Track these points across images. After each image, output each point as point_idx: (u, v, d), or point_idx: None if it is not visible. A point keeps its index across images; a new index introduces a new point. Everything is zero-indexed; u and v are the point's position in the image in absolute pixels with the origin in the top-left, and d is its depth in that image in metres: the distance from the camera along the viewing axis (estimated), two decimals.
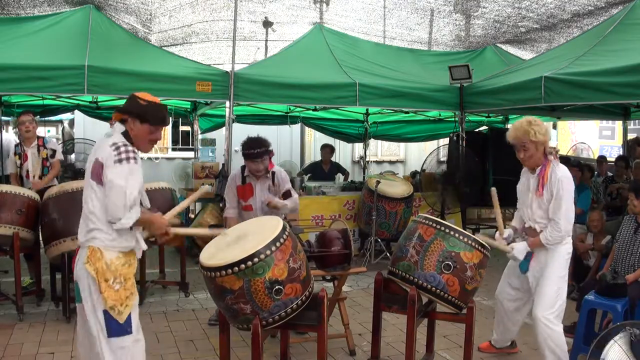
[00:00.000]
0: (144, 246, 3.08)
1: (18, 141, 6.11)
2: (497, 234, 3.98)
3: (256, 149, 4.52)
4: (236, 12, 6.75)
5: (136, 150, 2.90)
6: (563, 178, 3.63)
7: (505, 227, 4.01)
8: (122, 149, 2.81)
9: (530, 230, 3.84)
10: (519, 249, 3.80)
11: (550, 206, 3.65)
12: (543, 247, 3.75)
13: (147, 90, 5.99)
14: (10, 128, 9.29)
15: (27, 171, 5.81)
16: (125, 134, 2.92)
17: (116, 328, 2.85)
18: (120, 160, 2.78)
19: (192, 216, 8.05)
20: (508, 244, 3.90)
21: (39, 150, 5.83)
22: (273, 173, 4.72)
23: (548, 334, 3.66)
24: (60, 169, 6.12)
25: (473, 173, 7.47)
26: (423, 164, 7.92)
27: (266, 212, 4.65)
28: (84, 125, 11.27)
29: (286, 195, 4.73)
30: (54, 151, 5.91)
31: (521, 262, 3.88)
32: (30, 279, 5.67)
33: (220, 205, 5.44)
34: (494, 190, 4.06)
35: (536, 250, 3.81)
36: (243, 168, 4.74)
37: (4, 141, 7.92)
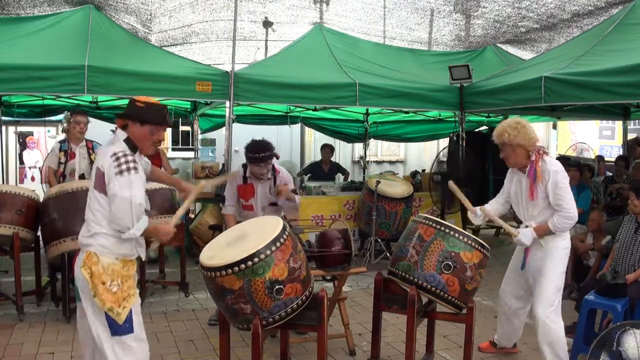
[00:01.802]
0: (143, 255, 3.12)
1: (63, 138, 6.06)
2: (469, 214, 4.02)
3: (261, 153, 4.49)
4: (236, 12, 6.75)
5: (137, 160, 2.90)
6: (557, 172, 3.66)
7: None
8: (122, 159, 2.82)
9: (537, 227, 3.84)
10: (526, 234, 3.77)
11: (551, 198, 3.66)
12: (538, 244, 3.76)
13: (147, 90, 6.07)
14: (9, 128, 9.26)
15: (73, 170, 5.80)
16: (128, 140, 2.93)
17: (118, 327, 2.87)
18: (121, 172, 2.80)
19: (192, 216, 8.05)
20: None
21: (89, 153, 5.86)
22: (275, 174, 4.70)
23: (548, 330, 3.68)
24: None
25: (473, 173, 7.46)
26: (432, 167, 7.93)
27: (267, 212, 4.65)
28: None
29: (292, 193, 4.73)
30: None
31: (521, 262, 3.90)
32: (47, 276, 5.58)
33: (220, 205, 5.44)
34: (451, 182, 4.08)
35: (532, 247, 3.82)
36: (245, 167, 4.73)
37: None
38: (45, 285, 5.44)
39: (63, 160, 5.81)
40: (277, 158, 4.68)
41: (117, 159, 2.83)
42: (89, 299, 2.88)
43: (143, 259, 3.15)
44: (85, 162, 5.86)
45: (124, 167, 2.80)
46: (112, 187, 2.80)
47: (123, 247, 2.92)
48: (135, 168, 2.84)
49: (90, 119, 9.32)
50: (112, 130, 3.02)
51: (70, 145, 5.83)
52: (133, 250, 3.00)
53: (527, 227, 3.83)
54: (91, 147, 5.89)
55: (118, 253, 2.91)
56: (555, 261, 3.73)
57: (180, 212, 3.32)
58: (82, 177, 5.74)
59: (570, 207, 3.63)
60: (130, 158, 2.86)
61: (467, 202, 4.01)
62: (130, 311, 2.91)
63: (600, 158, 9.36)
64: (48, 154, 6.02)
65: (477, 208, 4.00)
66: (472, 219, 4.03)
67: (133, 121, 2.92)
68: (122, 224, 2.81)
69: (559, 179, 3.64)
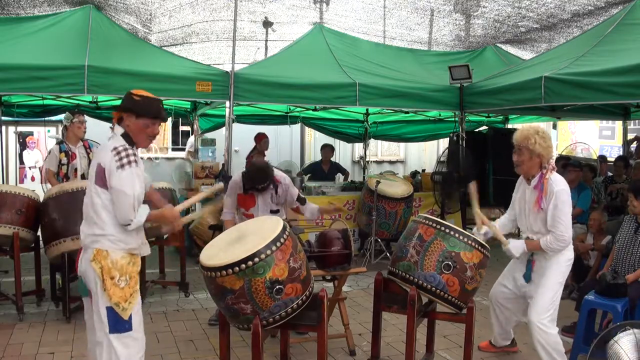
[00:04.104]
0: (148, 251, 3.16)
1: (60, 139, 6.06)
2: (474, 229, 3.94)
3: (261, 185, 4.46)
4: (236, 12, 6.75)
5: (137, 153, 2.95)
6: (560, 191, 3.63)
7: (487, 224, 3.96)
8: (123, 153, 2.87)
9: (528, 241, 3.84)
10: (516, 245, 3.77)
11: (549, 218, 3.64)
12: (542, 254, 3.75)
13: (147, 90, 6.05)
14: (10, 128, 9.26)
15: (75, 169, 5.82)
16: (125, 135, 2.96)
17: (116, 325, 2.91)
18: (122, 166, 2.84)
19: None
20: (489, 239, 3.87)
21: (87, 152, 5.89)
22: (277, 184, 4.64)
23: (543, 337, 3.68)
24: None
25: (473, 173, 7.46)
26: (435, 167, 7.95)
27: None
28: None
29: (302, 201, 4.73)
30: None
31: (525, 272, 3.89)
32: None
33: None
34: (472, 186, 4.03)
35: (537, 258, 3.81)
36: (245, 175, 4.65)
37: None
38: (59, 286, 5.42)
39: (65, 161, 5.81)
40: (278, 182, 4.61)
41: (118, 152, 2.87)
42: (99, 293, 2.92)
43: (147, 253, 3.17)
44: (85, 161, 5.88)
45: (125, 160, 2.84)
46: (114, 181, 2.84)
47: (130, 240, 2.96)
48: (135, 161, 2.89)
49: (91, 119, 9.39)
50: (111, 127, 3.05)
51: (69, 146, 5.84)
52: (139, 244, 3.04)
53: (527, 237, 3.84)
54: (88, 147, 5.91)
55: (125, 247, 2.95)
56: (557, 272, 3.73)
57: (187, 203, 3.35)
58: (83, 176, 5.75)
59: (565, 232, 3.61)
60: (130, 152, 2.89)
61: (479, 215, 3.93)
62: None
63: (602, 158, 9.36)
64: (47, 155, 6.02)
65: (486, 227, 3.91)
66: (475, 234, 3.89)
67: (128, 114, 2.95)
68: (125, 217, 2.86)
69: (560, 201, 3.61)
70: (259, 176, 4.47)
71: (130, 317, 2.93)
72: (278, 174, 4.69)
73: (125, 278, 2.92)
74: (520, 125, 10.41)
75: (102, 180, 2.88)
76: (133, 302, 2.94)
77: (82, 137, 5.91)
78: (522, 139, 3.70)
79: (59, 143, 5.94)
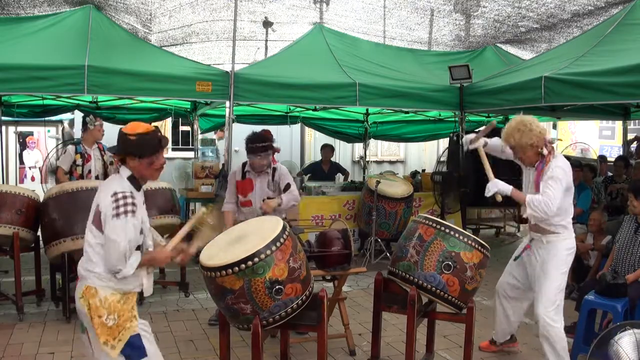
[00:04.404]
0: (150, 290, 3.01)
1: (77, 140, 6.11)
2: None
3: (259, 143, 4.55)
4: (236, 12, 6.75)
5: (136, 203, 2.80)
6: (556, 167, 3.66)
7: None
8: (121, 201, 2.75)
9: (532, 224, 3.86)
10: (503, 183, 3.76)
11: (542, 184, 3.67)
12: (539, 241, 3.79)
13: (147, 90, 6.08)
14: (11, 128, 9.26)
15: (90, 171, 5.86)
16: (132, 179, 2.86)
17: (132, 355, 2.81)
18: (117, 215, 2.72)
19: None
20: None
21: (101, 154, 5.93)
22: (274, 169, 4.74)
23: (548, 330, 3.69)
24: None
25: (472, 173, 7.46)
26: (435, 167, 7.95)
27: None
28: None
29: (286, 188, 4.72)
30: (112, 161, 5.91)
31: (516, 254, 4.01)
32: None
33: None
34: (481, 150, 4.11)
35: (535, 246, 3.85)
36: (244, 164, 4.76)
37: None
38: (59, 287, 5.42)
39: (80, 162, 5.85)
40: (278, 152, 4.72)
41: (117, 200, 2.75)
42: (92, 330, 2.84)
43: (149, 293, 3.02)
44: (99, 163, 5.93)
45: (121, 209, 2.73)
46: (107, 228, 2.74)
47: (124, 283, 2.84)
48: (133, 211, 2.76)
49: None
50: (116, 168, 2.89)
51: (85, 148, 5.87)
52: (135, 286, 2.91)
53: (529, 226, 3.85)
54: (102, 149, 5.95)
55: (116, 287, 2.83)
56: (558, 261, 3.74)
57: (177, 238, 3.10)
58: (97, 177, 5.84)
59: (552, 198, 3.58)
60: (129, 200, 2.77)
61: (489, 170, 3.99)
62: (138, 337, 2.84)
63: (602, 158, 9.36)
64: (61, 154, 6.05)
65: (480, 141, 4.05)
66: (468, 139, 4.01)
67: (131, 157, 2.84)
68: (114, 266, 2.75)
69: (557, 173, 3.63)
70: (259, 134, 4.60)
71: (140, 345, 2.82)
72: (279, 163, 4.82)
73: (113, 317, 2.80)
74: None
75: (97, 222, 2.80)
76: (124, 339, 2.81)
77: (98, 139, 5.97)
78: (506, 141, 3.80)
79: (75, 144, 5.97)
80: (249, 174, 4.74)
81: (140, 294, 3.02)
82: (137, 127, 2.86)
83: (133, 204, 2.78)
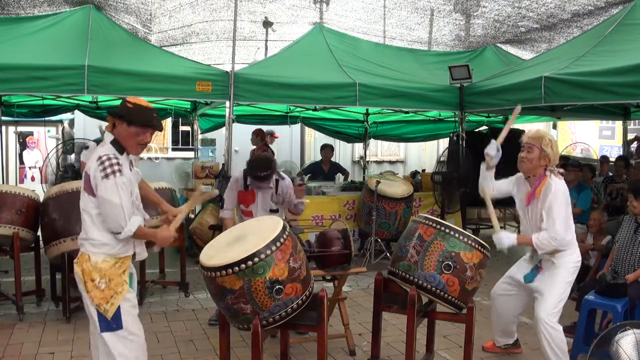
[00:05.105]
0: (144, 254, 3.19)
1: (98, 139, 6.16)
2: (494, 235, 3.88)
3: (263, 173, 4.46)
4: (236, 12, 6.75)
5: (121, 162, 2.93)
6: (557, 191, 3.66)
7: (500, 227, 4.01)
8: (107, 163, 2.87)
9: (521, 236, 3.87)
10: (509, 236, 3.75)
11: (545, 217, 3.67)
12: (551, 262, 3.78)
13: (147, 90, 6.08)
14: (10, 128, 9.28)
15: None
16: (115, 142, 2.98)
17: (106, 324, 2.96)
18: (106, 176, 2.86)
19: (193, 216, 8.05)
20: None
21: None
22: (277, 181, 4.67)
23: (549, 334, 3.69)
24: None
25: (472, 173, 7.46)
26: (435, 167, 7.95)
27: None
28: (84, 125, 11.27)
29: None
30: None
31: (526, 274, 3.92)
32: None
33: (220, 205, 5.44)
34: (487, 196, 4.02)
35: (545, 265, 3.84)
36: (245, 172, 4.69)
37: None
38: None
39: None
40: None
41: (102, 162, 2.88)
42: (84, 294, 2.99)
43: (144, 257, 3.19)
44: None
45: (108, 170, 2.86)
46: (100, 191, 2.87)
47: (117, 247, 2.98)
48: (120, 171, 2.89)
49: (90, 118, 9.40)
50: (102, 132, 3.06)
51: None
52: (127, 248, 3.04)
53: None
54: None
55: (110, 252, 2.97)
56: (566, 272, 3.77)
57: (179, 217, 3.32)
58: None
59: (558, 230, 3.62)
60: (114, 161, 2.89)
61: (494, 217, 3.93)
62: (119, 308, 2.96)
63: (604, 159, 9.36)
64: (87, 151, 6.17)
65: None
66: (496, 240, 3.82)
67: (121, 121, 2.97)
68: (116, 225, 2.89)
69: (557, 201, 3.64)
70: (261, 163, 4.53)
71: (118, 316, 2.96)
72: (280, 174, 4.75)
73: (105, 280, 2.94)
74: (520, 126, 10.44)
75: (89, 187, 2.93)
76: (116, 303, 2.95)
77: None
78: (537, 137, 3.76)
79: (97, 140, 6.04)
80: (252, 185, 4.65)
81: (141, 294, 3.06)
82: (140, 101, 3.05)
83: (118, 164, 2.91)
